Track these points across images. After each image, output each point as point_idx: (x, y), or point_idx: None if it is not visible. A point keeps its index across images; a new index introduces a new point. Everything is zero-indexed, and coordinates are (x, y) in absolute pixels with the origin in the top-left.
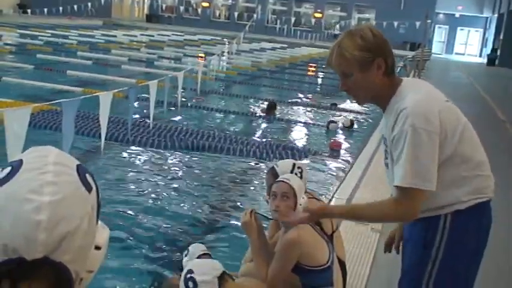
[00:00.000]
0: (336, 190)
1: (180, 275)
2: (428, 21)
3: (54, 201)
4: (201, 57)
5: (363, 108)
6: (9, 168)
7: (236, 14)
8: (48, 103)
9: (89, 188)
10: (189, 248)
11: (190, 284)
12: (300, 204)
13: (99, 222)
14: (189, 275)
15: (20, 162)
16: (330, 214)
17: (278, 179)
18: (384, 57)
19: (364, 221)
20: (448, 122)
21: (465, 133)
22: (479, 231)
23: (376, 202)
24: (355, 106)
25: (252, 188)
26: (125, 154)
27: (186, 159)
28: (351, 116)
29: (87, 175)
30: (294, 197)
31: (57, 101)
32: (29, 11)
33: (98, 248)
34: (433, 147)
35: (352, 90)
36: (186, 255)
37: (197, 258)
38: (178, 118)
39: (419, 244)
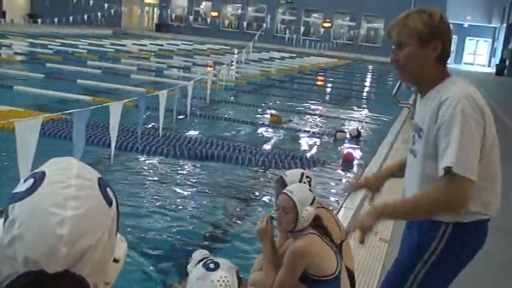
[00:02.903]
0: (345, 200)
1: (184, 283)
2: None
3: (76, 215)
4: (210, 66)
5: (370, 118)
6: (31, 180)
7: (245, 23)
8: (59, 113)
9: (109, 202)
10: (193, 254)
11: (211, 265)
12: (303, 217)
13: (118, 235)
14: (209, 259)
15: (43, 174)
16: (388, 215)
17: (282, 191)
18: (442, 41)
19: (415, 216)
20: (489, 122)
21: (495, 141)
22: (473, 248)
23: (422, 194)
24: (362, 116)
25: (260, 197)
26: (134, 163)
27: (195, 168)
28: (358, 126)
29: (107, 189)
30: (295, 210)
31: (68, 111)
32: (39, 20)
33: (116, 260)
34: (478, 138)
35: (401, 63)
36: (190, 262)
37: (198, 262)
38: (187, 127)
39: (415, 243)
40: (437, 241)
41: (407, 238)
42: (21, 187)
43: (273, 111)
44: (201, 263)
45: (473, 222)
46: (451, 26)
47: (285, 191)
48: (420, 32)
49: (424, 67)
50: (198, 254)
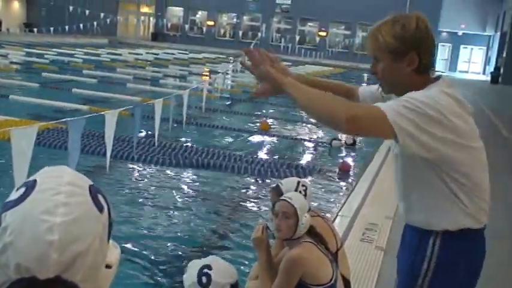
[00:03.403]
0: (341, 208)
1: None
2: None
3: (66, 221)
4: (206, 75)
5: None
6: (23, 189)
7: (241, 32)
8: (54, 122)
9: (100, 208)
10: (189, 264)
11: (204, 279)
12: (302, 224)
13: (111, 241)
14: (205, 270)
15: (34, 182)
16: (289, 86)
17: (280, 198)
18: (418, 53)
19: (309, 104)
20: (463, 123)
21: (479, 149)
22: (471, 260)
23: (333, 96)
24: None
25: (256, 206)
26: (130, 172)
27: (191, 177)
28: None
29: (99, 195)
30: (295, 216)
31: (63, 119)
32: (35, 29)
33: (108, 266)
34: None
35: (379, 77)
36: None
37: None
38: (183, 136)
39: (408, 265)
40: (428, 261)
41: (401, 259)
42: (13, 195)
43: (264, 119)
44: (196, 272)
45: (463, 230)
46: (444, 33)
47: (283, 197)
48: (391, 46)
49: (401, 81)
50: (195, 264)
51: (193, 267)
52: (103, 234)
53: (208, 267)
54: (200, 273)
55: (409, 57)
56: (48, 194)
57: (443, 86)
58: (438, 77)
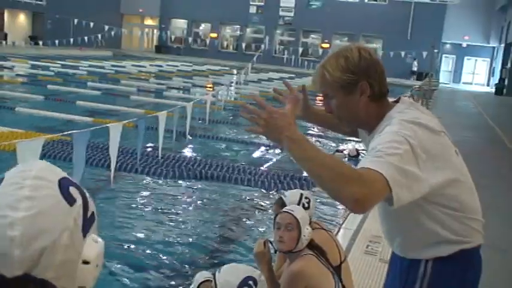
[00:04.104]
0: (345, 220)
1: None
2: (435, 51)
3: (28, 216)
4: (210, 87)
5: None
6: None
7: (244, 44)
8: (59, 134)
9: (70, 201)
10: (196, 275)
11: None
12: (304, 236)
13: (92, 236)
14: (250, 282)
15: (2, 178)
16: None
17: (282, 210)
18: (368, 80)
19: (315, 169)
20: (433, 147)
21: (462, 172)
22: (464, 281)
23: (342, 162)
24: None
25: (259, 218)
26: (134, 184)
27: (194, 189)
28: (357, 145)
29: (70, 188)
30: (298, 228)
31: (68, 132)
32: (40, 42)
33: (86, 262)
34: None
35: (336, 115)
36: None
37: (200, 284)
38: (186, 148)
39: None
40: (420, 283)
41: (390, 285)
42: None
43: None
44: (239, 281)
45: (455, 253)
46: (448, 44)
47: (285, 209)
48: (339, 80)
49: (358, 112)
50: (200, 276)
51: (238, 270)
52: (74, 228)
53: (254, 281)
54: (244, 283)
55: (359, 87)
56: (12, 189)
57: (403, 109)
58: (398, 100)
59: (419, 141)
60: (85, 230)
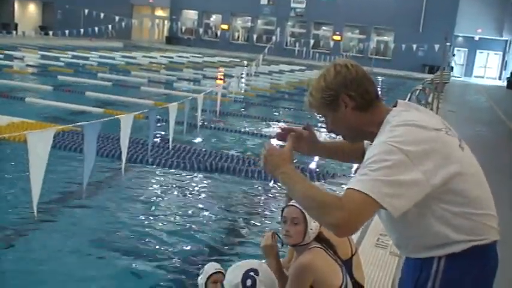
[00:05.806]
0: None
1: None
2: (448, 44)
3: None
4: (220, 79)
5: None
6: None
7: (255, 36)
8: (70, 125)
9: None
10: (205, 266)
11: (249, 282)
12: (311, 229)
13: None
14: (252, 273)
15: None
16: (282, 172)
17: (289, 204)
18: (347, 92)
19: (299, 196)
20: (434, 150)
21: (461, 168)
22: (478, 277)
23: (324, 191)
24: None
25: (269, 210)
26: (144, 175)
27: (205, 181)
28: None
29: None
30: (304, 222)
31: (79, 123)
32: (50, 32)
33: None
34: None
35: (336, 132)
36: (201, 274)
37: (210, 275)
38: (197, 139)
39: (410, 285)
40: (433, 280)
41: (405, 282)
42: None
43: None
44: (242, 273)
45: (468, 249)
46: (460, 37)
47: (292, 203)
48: (322, 100)
49: (352, 124)
50: (211, 267)
51: (238, 268)
52: None
53: (255, 271)
54: (246, 276)
55: (341, 100)
56: None
57: (400, 111)
58: (395, 104)
59: (411, 142)
60: None
